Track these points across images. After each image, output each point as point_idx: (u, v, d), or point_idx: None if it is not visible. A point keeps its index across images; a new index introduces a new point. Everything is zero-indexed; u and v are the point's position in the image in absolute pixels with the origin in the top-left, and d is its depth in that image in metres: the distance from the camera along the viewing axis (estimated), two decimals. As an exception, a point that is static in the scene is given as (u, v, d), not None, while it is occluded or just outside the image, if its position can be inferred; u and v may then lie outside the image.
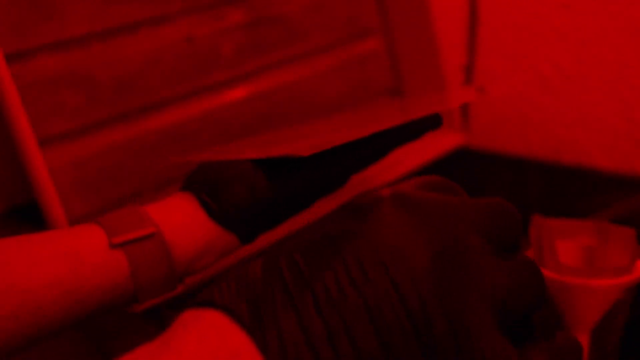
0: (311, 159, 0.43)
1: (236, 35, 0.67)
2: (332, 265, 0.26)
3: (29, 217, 0.64)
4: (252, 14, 0.68)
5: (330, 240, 0.28)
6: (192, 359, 0.25)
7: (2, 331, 0.37)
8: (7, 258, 0.37)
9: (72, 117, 0.58)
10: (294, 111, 0.72)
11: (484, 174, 0.79)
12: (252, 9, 0.68)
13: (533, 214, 0.45)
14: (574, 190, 0.70)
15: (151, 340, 0.27)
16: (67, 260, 0.38)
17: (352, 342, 0.25)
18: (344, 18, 0.75)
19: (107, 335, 0.50)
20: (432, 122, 0.48)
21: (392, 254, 0.26)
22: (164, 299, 0.41)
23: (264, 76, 0.70)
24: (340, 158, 0.45)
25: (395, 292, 0.25)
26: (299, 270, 0.27)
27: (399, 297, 0.25)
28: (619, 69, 0.70)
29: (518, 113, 0.80)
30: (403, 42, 0.80)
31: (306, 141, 0.47)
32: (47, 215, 0.54)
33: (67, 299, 0.38)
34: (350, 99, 0.78)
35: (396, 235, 0.27)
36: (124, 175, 0.61)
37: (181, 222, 0.42)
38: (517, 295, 0.28)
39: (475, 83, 0.79)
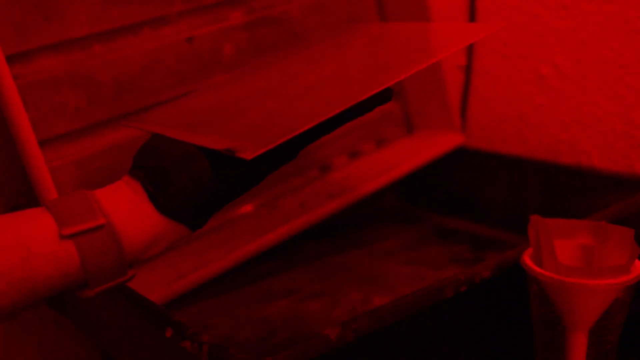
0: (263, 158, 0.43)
1: (236, 35, 0.67)
2: None
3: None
4: (253, 15, 0.68)
5: None
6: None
7: None
8: None
9: (73, 117, 0.58)
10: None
11: (482, 174, 0.79)
12: (253, 9, 0.68)
13: (532, 214, 0.45)
14: (572, 190, 0.70)
15: None
16: (17, 251, 0.39)
17: None
18: (344, 18, 0.76)
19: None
20: (383, 97, 0.48)
21: None
22: (115, 283, 0.42)
23: (264, 77, 0.70)
24: (288, 142, 0.44)
25: None
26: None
27: None
28: (618, 70, 0.70)
29: (517, 113, 0.81)
30: (402, 43, 0.80)
31: (257, 124, 0.46)
32: (48, 215, 0.54)
33: (17, 288, 0.39)
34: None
35: None
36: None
37: (130, 213, 0.42)
38: None
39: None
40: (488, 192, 0.78)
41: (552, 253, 0.42)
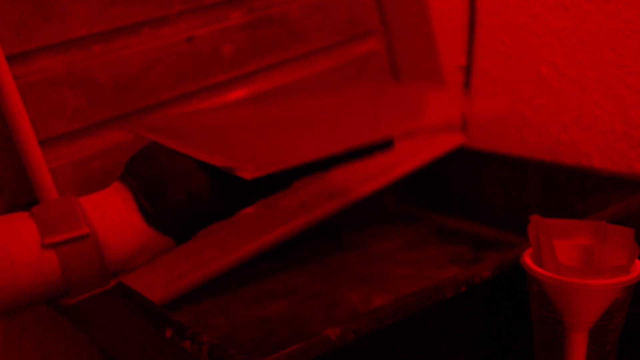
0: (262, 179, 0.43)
1: (236, 35, 0.67)
2: None
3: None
4: (252, 15, 0.68)
5: None
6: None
7: None
8: None
9: (73, 117, 0.58)
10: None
11: (482, 174, 0.79)
12: (252, 9, 0.68)
13: (531, 214, 0.45)
14: (572, 190, 0.70)
15: None
16: None
17: None
18: (343, 18, 0.76)
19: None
20: (384, 146, 0.49)
21: None
22: (97, 292, 0.42)
23: (264, 76, 0.70)
24: (286, 171, 0.45)
25: None
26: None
27: None
28: (617, 70, 0.70)
29: (516, 113, 0.81)
30: (402, 43, 0.80)
31: (260, 149, 0.47)
32: (48, 215, 0.54)
33: None
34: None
35: None
36: (125, 175, 0.61)
37: (116, 224, 0.41)
38: None
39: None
40: (488, 192, 0.78)
41: (552, 253, 0.43)
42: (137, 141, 0.62)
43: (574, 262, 0.45)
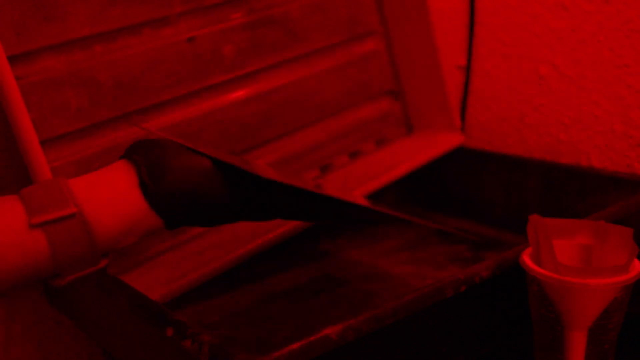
0: (275, 188, 0.43)
1: (237, 36, 0.67)
2: None
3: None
4: (253, 15, 0.68)
5: None
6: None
7: None
8: None
9: (74, 117, 0.58)
10: (294, 111, 0.73)
11: (482, 174, 0.79)
12: (253, 9, 0.69)
13: (531, 214, 0.45)
14: (571, 190, 0.70)
15: None
16: None
17: None
18: (344, 18, 0.76)
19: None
20: (398, 223, 0.51)
21: None
22: (89, 272, 0.42)
23: (264, 77, 0.70)
24: (300, 202, 0.45)
25: None
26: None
27: None
28: (617, 70, 0.71)
29: (517, 113, 0.81)
30: (403, 43, 0.80)
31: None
32: (49, 215, 0.55)
33: None
34: (350, 99, 0.78)
35: None
36: (125, 175, 0.61)
37: (109, 200, 0.41)
38: None
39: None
40: (488, 192, 0.79)
41: (551, 253, 0.43)
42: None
43: (573, 262, 0.45)
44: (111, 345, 0.58)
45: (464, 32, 0.83)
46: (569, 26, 0.74)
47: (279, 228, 0.67)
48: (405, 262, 0.70)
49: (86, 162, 0.59)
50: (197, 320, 0.61)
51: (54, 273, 0.41)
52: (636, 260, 0.43)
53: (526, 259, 0.44)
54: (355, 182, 0.73)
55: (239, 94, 0.68)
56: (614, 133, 0.72)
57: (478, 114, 0.84)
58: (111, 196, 0.41)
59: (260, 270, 0.69)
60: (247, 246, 0.65)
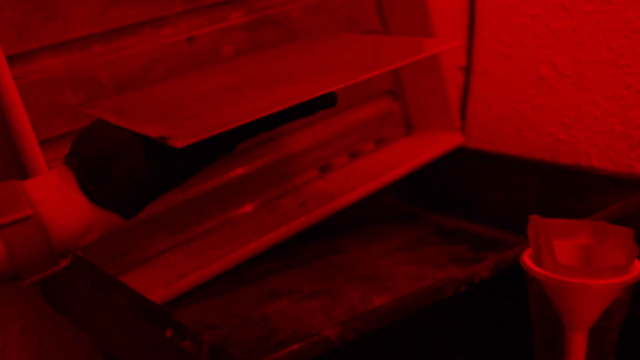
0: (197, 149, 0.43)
1: (236, 35, 0.67)
2: None
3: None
4: (252, 15, 0.68)
5: None
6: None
7: None
8: None
9: (74, 117, 0.58)
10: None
11: (481, 174, 0.79)
12: (252, 9, 0.69)
13: (531, 214, 0.45)
14: (571, 190, 0.70)
15: None
16: None
17: None
18: (343, 18, 0.76)
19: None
20: (328, 101, 0.48)
21: None
22: (49, 273, 0.42)
23: (264, 77, 0.70)
24: (224, 134, 0.44)
25: None
26: None
27: None
28: (617, 70, 0.71)
29: (516, 113, 0.81)
30: (402, 43, 0.80)
31: (198, 115, 0.46)
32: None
33: None
34: (350, 99, 0.78)
35: None
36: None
37: (60, 203, 0.42)
38: None
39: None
40: (488, 192, 0.79)
41: (551, 253, 0.43)
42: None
43: (573, 262, 0.45)
44: (111, 346, 0.57)
45: (464, 32, 0.83)
46: (569, 26, 0.74)
47: (279, 228, 0.67)
48: (405, 262, 0.70)
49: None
50: (196, 321, 0.60)
51: (13, 274, 0.41)
52: (636, 261, 0.43)
53: (526, 259, 0.44)
54: (355, 182, 0.73)
55: (239, 94, 0.68)
56: (614, 133, 0.72)
57: (478, 114, 0.84)
58: (61, 199, 0.42)
59: (260, 270, 0.69)
60: (247, 246, 0.65)
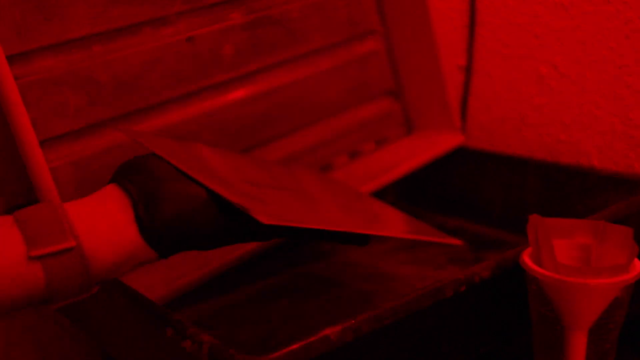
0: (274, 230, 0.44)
1: (236, 35, 0.67)
2: None
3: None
4: (252, 15, 0.68)
5: None
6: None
7: None
8: None
9: (74, 117, 0.58)
10: (294, 111, 0.73)
11: (482, 174, 0.79)
12: (252, 9, 0.69)
13: (531, 214, 0.45)
14: (572, 190, 0.70)
15: None
16: None
17: None
18: (343, 19, 0.76)
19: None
20: (363, 242, 0.51)
21: None
22: (80, 299, 0.42)
23: (264, 77, 0.70)
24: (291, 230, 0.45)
25: None
26: None
27: None
28: (617, 70, 0.71)
29: (516, 113, 0.81)
30: (403, 43, 0.80)
31: (272, 202, 0.47)
32: (48, 215, 0.54)
33: None
34: (350, 99, 0.78)
35: None
36: (125, 175, 0.61)
37: (106, 234, 0.41)
38: None
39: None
40: (488, 192, 0.79)
41: (551, 252, 0.43)
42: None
43: (573, 262, 0.45)
44: (111, 346, 0.57)
45: (464, 32, 0.83)
46: (569, 26, 0.74)
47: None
48: (405, 262, 0.70)
49: (85, 163, 0.59)
50: (196, 321, 0.61)
51: (45, 300, 0.41)
52: (636, 260, 0.43)
53: (526, 259, 0.44)
54: (355, 182, 0.73)
55: (239, 94, 0.68)
56: (614, 133, 0.72)
57: (478, 114, 0.84)
58: (108, 230, 0.41)
59: (260, 270, 0.69)
60: (247, 246, 0.65)
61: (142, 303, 0.48)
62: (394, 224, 0.62)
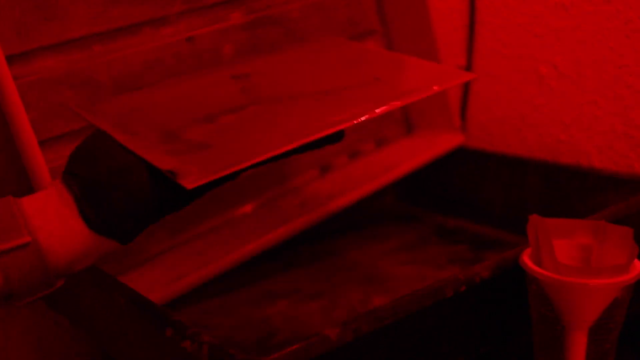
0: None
1: (236, 35, 0.67)
2: None
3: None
4: (252, 15, 0.68)
5: None
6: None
7: None
8: None
9: (73, 117, 0.58)
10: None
11: (482, 174, 0.79)
12: (252, 9, 0.69)
13: (531, 214, 0.45)
14: (572, 190, 0.70)
15: None
16: None
17: None
18: (343, 18, 0.76)
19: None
20: (337, 136, 0.48)
21: None
22: (45, 294, 0.42)
23: (264, 77, 0.70)
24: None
25: None
26: None
27: None
28: (617, 70, 0.71)
29: (516, 113, 0.81)
30: (402, 43, 0.80)
31: (209, 147, 0.45)
32: (48, 215, 0.54)
33: None
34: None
35: None
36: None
37: (59, 230, 0.41)
38: None
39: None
40: (488, 192, 0.79)
41: (551, 252, 0.43)
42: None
43: (573, 262, 0.45)
44: (111, 346, 0.57)
45: (464, 32, 0.83)
46: (569, 26, 0.74)
47: (279, 228, 0.67)
48: (405, 262, 0.70)
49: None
50: (196, 321, 0.60)
51: (7, 297, 0.40)
52: (636, 260, 0.43)
53: (526, 259, 0.44)
54: (355, 182, 0.73)
55: (239, 93, 0.68)
56: (614, 133, 0.72)
57: (478, 114, 0.84)
58: (60, 226, 0.41)
59: (260, 270, 0.69)
60: (247, 246, 0.65)
61: (142, 303, 0.48)
62: (382, 92, 0.53)
